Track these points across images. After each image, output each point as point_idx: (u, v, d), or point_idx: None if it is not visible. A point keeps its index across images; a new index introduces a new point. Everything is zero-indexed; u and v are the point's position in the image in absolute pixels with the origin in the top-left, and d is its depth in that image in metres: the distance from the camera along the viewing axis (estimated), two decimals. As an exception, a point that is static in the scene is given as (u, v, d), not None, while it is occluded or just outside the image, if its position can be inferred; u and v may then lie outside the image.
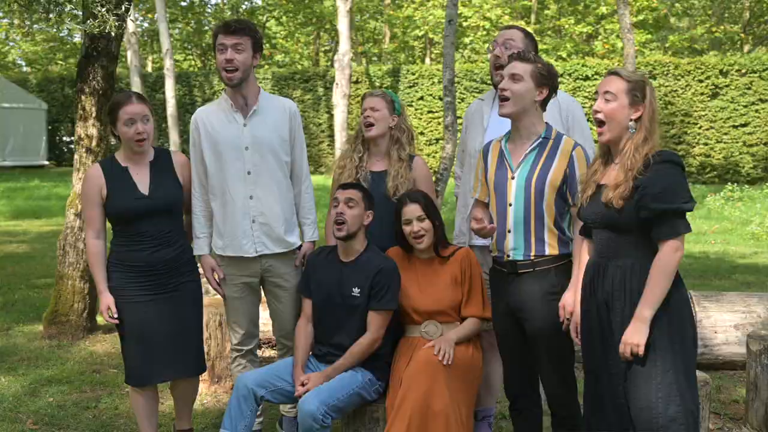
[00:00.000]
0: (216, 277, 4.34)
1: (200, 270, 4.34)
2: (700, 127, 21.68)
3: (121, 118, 3.95)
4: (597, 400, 3.36)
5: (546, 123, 3.78)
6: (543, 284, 3.65)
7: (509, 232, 3.68)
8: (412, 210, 4.04)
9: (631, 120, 3.25)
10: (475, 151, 4.25)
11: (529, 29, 22.83)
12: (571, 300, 3.53)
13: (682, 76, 21.78)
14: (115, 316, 4.00)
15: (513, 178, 3.70)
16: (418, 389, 3.71)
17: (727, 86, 21.44)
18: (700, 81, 21.68)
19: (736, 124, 21.44)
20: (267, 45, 33.36)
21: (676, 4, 26.80)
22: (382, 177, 4.37)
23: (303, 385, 3.96)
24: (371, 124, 4.34)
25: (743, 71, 21.30)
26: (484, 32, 26.37)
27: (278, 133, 4.27)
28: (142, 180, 4.05)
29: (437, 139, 23.65)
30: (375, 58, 33.78)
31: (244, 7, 31.34)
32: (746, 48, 27.85)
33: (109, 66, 6.67)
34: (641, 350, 3.14)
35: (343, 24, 22.76)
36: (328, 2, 32.76)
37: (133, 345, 4.06)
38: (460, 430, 3.73)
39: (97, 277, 4.03)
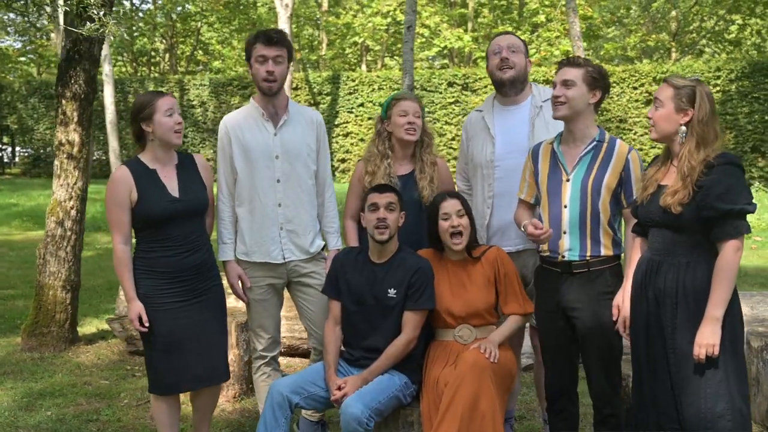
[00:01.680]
0: (241, 284, 4.34)
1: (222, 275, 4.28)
2: (635, 133, 22.23)
3: (161, 108, 3.87)
4: (645, 396, 3.42)
5: (598, 126, 3.85)
6: (597, 284, 3.72)
7: (565, 233, 3.75)
8: (452, 204, 4.03)
9: (681, 125, 3.34)
10: (486, 161, 4.31)
11: (467, 37, 23.08)
12: (622, 299, 3.61)
13: (617, 84, 22.30)
14: (147, 324, 3.89)
15: (568, 180, 3.76)
16: (467, 390, 3.71)
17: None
18: (635, 88, 22.25)
19: (669, 129, 22.02)
20: (201, 52, 33.00)
21: (608, 14, 27.50)
22: (408, 180, 4.38)
23: (339, 389, 3.93)
24: (415, 131, 4.34)
25: (676, 79, 21.90)
26: (423, 39, 26.56)
27: (306, 142, 4.34)
28: (170, 182, 3.97)
29: (378, 146, 23.68)
30: (312, 66, 33.67)
31: (177, 12, 30.86)
32: (674, 56, 28.72)
33: (91, 69, 6.50)
34: (716, 350, 3.19)
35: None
36: (262, 9, 32.57)
37: (161, 353, 3.95)
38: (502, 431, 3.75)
39: (127, 285, 3.91)
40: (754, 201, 3.26)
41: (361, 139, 24.04)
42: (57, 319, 6.53)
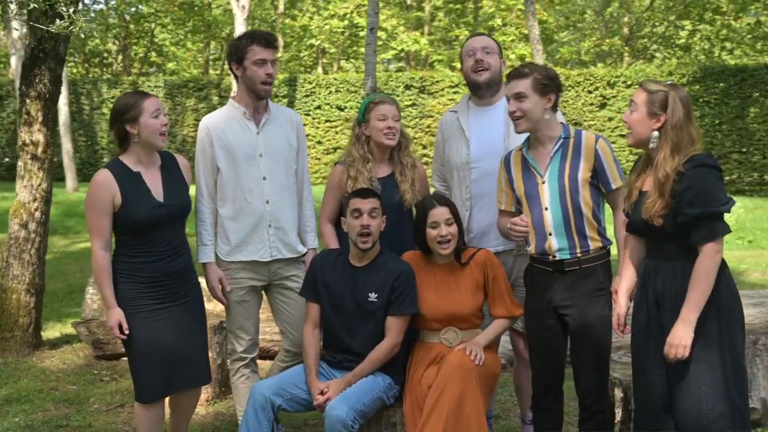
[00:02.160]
0: (221, 287, 4.31)
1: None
2: (590, 136, 22.51)
3: (147, 109, 3.78)
4: (645, 397, 3.44)
5: (561, 123, 3.87)
6: (589, 282, 3.76)
7: (550, 234, 3.77)
8: (441, 213, 3.99)
9: (653, 130, 3.34)
10: (462, 163, 4.32)
11: (423, 40, 23.17)
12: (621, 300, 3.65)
13: (572, 87, 22.53)
14: (127, 332, 3.80)
15: (544, 182, 3.79)
16: (453, 392, 3.70)
17: (614, 97, 22.31)
18: (589, 92, 22.49)
19: (623, 133, 22.22)
20: (154, 53, 32.62)
21: (563, 18, 27.84)
22: (388, 182, 4.36)
23: (322, 393, 3.90)
24: (394, 135, 4.33)
25: (629, 83, 22.22)
26: (381, 42, 26.57)
27: (288, 141, 4.35)
28: (155, 186, 3.88)
29: (335, 148, 23.64)
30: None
31: (130, 13, 30.44)
32: (626, 60, 29.14)
33: (56, 68, 6.38)
34: (687, 352, 3.22)
35: (240, 32, 22.49)
36: (217, 10, 32.30)
37: (145, 359, 3.86)
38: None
39: (106, 292, 3.80)
40: (729, 199, 3.24)
41: (318, 142, 23.95)
42: (20, 323, 6.39)
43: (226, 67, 30.03)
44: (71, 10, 5.23)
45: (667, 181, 3.25)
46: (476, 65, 4.29)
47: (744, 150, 20.96)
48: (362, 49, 28.03)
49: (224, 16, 30.84)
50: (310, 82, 24.83)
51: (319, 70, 31.19)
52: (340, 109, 24.05)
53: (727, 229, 3.28)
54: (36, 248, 6.43)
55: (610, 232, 3.90)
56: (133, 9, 30.22)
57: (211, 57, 34.33)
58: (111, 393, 5.56)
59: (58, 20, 5.42)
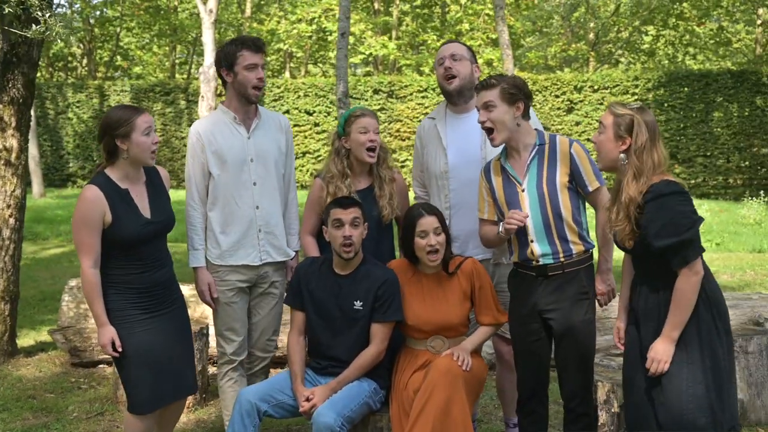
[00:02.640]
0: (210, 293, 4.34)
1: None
2: (557, 141, 22.71)
3: (139, 127, 3.74)
4: (635, 411, 3.48)
5: (535, 129, 3.92)
6: (573, 286, 3.81)
7: (532, 241, 3.80)
8: (430, 222, 3.98)
9: (620, 152, 3.39)
10: (440, 172, 4.34)
11: (392, 45, 23.16)
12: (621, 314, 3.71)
13: (540, 92, 22.72)
14: (120, 349, 3.76)
15: (523, 190, 3.83)
16: (440, 396, 3.72)
17: (581, 101, 22.54)
18: (557, 96, 22.70)
19: (590, 137, 22.57)
20: (120, 57, 32.29)
21: (529, 23, 28.05)
22: (367, 195, 4.35)
23: (308, 400, 3.90)
24: (375, 149, 4.32)
25: (595, 87, 22.48)
26: (349, 46, 26.53)
27: (277, 146, 4.38)
28: (142, 203, 3.86)
29: (304, 153, 23.60)
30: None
31: (95, 17, 30.11)
32: (591, 65, 29.43)
33: (29, 73, 6.32)
34: (666, 367, 3.28)
35: (207, 36, 22.33)
36: (183, 14, 32.08)
37: (139, 370, 3.82)
38: None
39: (97, 310, 3.74)
40: (696, 219, 3.25)
41: (287, 146, 23.92)
42: (-5, 331, 6.30)
43: (194, 70, 29.82)
44: (47, 15, 5.16)
45: (630, 204, 3.30)
46: (445, 73, 4.31)
47: (708, 154, 21.28)
48: (330, 54, 28.07)
49: (190, 20, 30.67)
50: (278, 87, 24.78)
51: (287, 74, 31.09)
52: (308, 113, 24.02)
53: (700, 250, 3.30)
54: (10, 255, 6.36)
55: (593, 234, 3.94)
56: (98, 12, 29.93)
57: (177, 61, 34.06)
58: (89, 401, 5.50)
59: (34, 25, 5.35)
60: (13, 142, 6.28)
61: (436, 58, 4.43)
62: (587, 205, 3.95)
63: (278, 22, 28.14)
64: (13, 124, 6.28)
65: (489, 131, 3.82)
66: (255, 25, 29.13)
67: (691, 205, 3.29)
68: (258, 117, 4.35)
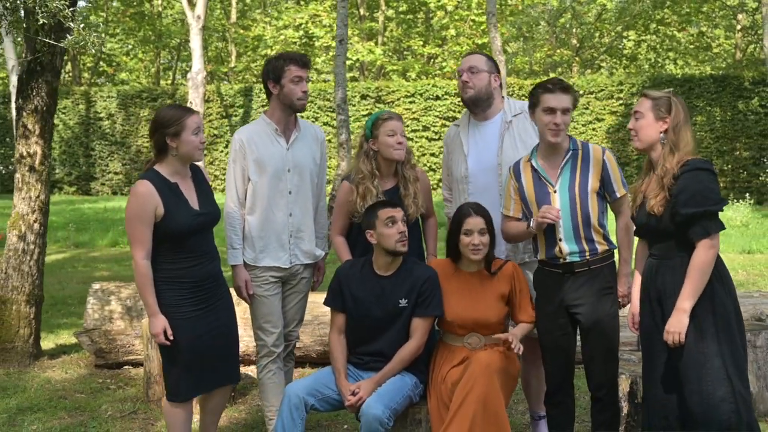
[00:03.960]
0: (247, 290, 4.57)
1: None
2: (543, 145, 22.97)
3: (189, 126, 3.97)
4: (655, 389, 3.72)
5: (568, 136, 4.13)
6: (597, 281, 4.04)
7: (560, 240, 4.03)
8: (477, 222, 4.16)
9: (660, 133, 3.68)
10: (461, 177, 4.58)
11: (378, 50, 23.32)
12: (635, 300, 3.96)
13: (526, 97, 22.87)
14: (171, 338, 3.94)
15: (555, 191, 4.05)
16: (479, 390, 3.90)
17: (565, 106, 22.87)
18: (542, 101, 22.99)
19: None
20: (104, 64, 32.26)
21: (514, 30, 28.40)
22: (393, 196, 4.55)
23: (354, 394, 4.08)
24: (402, 152, 4.52)
25: (581, 92, 22.80)
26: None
27: (313, 157, 4.64)
28: (191, 196, 4.07)
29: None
30: (219, 79, 33.42)
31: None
32: (575, 70, 29.82)
33: (53, 81, 6.45)
34: (683, 338, 3.53)
35: (195, 42, 22.43)
36: (167, 20, 32.13)
37: (183, 362, 4.02)
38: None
39: (149, 299, 3.93)
40: (722, 199, 3.58)
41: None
42: (21, 334, 6.43)
43: (179, 76, 29.84)
44: (81, 25, 5.32)
45: (666, 175, 3.59)
46: (462, 85, 4.56)
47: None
48: (317, 59, 28.20)
49: (175, 25, 30.74)
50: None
51: (272, 80, 31.18)
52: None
53: (720, 226, 3.60)
54: (35, 260, 6.49)
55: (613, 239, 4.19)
56: (81, 18, 29.92)
57: (161, 67, 34.09)
58: (120, 401, 5.65)
59: (68, 35, 5.50)
60: (37, 149, 6.42)
61: (458, 68, 4.68)
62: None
63: (264, 28, 28.26)
64: (37, 132, 6.41)
65: (559, 133, 4.00)
66: (241, 31, 29.23)
67: (718, 186, 3.61)
68: (297, 129, 4.60)
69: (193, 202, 4.06)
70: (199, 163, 4.31)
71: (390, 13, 29.56)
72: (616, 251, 4.16)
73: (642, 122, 3.72)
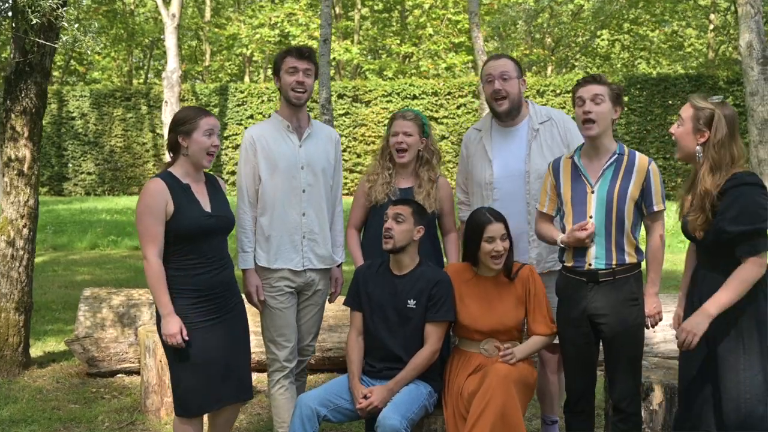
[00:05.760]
0: (258, 295, 4.43)
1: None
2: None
3: (201, 127, 3.88)
4: (690, 395, 3.64)
5: (616, 140, 4.05)
6: (623, 291, 3.91)
7: (591, 240, 3.92)
8: (498, 229, 4.09)
9: (697, 145, 3.54)
10: (485, 183, 4.47)
11: (354, 49, 23.24)
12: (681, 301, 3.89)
13: (502, 96, 23.00)
14: (187, 338, 3.80)
15: (593, 192, 3.93)
16: (497, 402, 3.83)
17: (543, 105, 22.88)
18: (519, 100, 23.03)
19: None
20: (76, 62, 31.82)
21: (491, 29, 28.41)
22: (407, 194, 4.50)
23: (366, 398, 4.00)
24: (404, 150, 4.48)
25: (557, 91, 22.88)
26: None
27: (327, 156, 4.50)
28: (203, 198, 3.97)
29: (269, 158, 23.56)
30: (193, 78, 33.13)
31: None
32: (550, 70, 29.91)
33: (42, 82, 6.27)
34: (695, 341, 3.43)
35: (170, 41, 22.23)
36: (140, 18, 31.77)
37: (193, 373, 3.88)
38: None
39: (163, 299, 3.81)
40: None
41: (251, 151, 23.83)
42: (10, 342, 6.24)
43: (151, 75, 29.58)
44: (75, 25, 5.16)
45: (706, 197, 3.44)
46: (495, 95, 4.40)
47: (668, 156, 21.75)
48: (293, 58, 28.01)
49: (148, 23, 30.41)
50: (241, 92, 24.72)
51: (246, 79, 30.98)
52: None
53: None
54: (24, 266, 6.31)
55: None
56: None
57: (134, 66, 33.70)
58: (116, 411, 5.50)
59: (60, 35, 5.34)
60: (25, 152, 6.24)
61: (483, 73, 4.53)
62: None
63: (239, 27, 28.04)
64: (26, 134, 6.23)
65: (589, 122, 3.89)
66: (216, 29, 28.98)
67: (767, 200, 3.42)
68: (310, 127, 4.48)
69: (205, 204, 3.96)
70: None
71: (365, 11, 29.48)
72: (643, 263, 4.05)
73: (680, 130, 3.58)
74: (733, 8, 23.37)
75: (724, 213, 3.40)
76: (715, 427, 3.56)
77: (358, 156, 23.42)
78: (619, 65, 32.36)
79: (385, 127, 4.73)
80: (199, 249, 3.89)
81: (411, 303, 4.15)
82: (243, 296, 4.30)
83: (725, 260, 3.49)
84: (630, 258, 3.93)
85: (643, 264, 4.06)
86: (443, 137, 22.82)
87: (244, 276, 4.44)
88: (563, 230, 4.04)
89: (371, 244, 4.53)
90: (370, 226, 4.62)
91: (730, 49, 29.49)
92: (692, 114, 3.54)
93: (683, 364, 3.72)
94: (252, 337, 4.33)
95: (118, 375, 6.24)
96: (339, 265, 4.65)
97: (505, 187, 4.42)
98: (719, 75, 22.68)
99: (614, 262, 3.91)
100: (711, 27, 29.03)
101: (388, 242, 4.16)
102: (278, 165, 4.35)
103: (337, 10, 28.70)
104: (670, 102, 22.21)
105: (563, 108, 22.62)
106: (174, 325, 3.79)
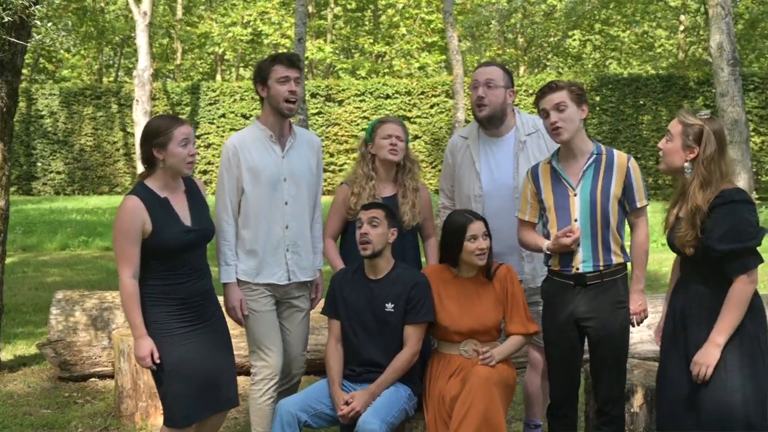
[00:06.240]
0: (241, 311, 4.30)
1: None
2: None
3: (176, 138, 3.75)
4: (669, 401, 3.62)
5: (591, 139, 4.03)
6: (610, 295, 3.90)
7: (577, 245, 3.90)
8: (479, 227, 4.08)
9: (685, 161, 3.51)
10: (475, 195, 4.42)
11: (328, 48, 23.19)
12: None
13: (476, 95, 23.04)
14: (158, 361, 3.73)
15: (576, 195, 3.91)
16: (481, 405, 3.81)
17: (516, 105, 22.93)
18: (492, 100, 23.07)
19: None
20: (45, 60, 31.44)
21: (463, 29, 28.47)
22: (390, 202, 4.44)
23: (347, 403, 3.96)
24: (398, 151, 4.44)
25: (530, 91, 22.93)
26: (285, 50, 26.46)
27: (309, 166, 4.40)
28: (183, 211, 3.86)
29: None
30: (164, 76, 32.86)
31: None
32: (522, 70, 30.03)
33: (13, 81, 6.15)
34: (710, 372, 3.40)
35: (141, 39, 22.11)
36: (110, 15, 31.46)
37: (178, 384, 3.79)
38: None
39: (136, 321, 3.72)
40: (760, 230, 3.37)
41: (223, 151, 23.69)
42: (-21, 347, 6.12)
43: (121, 73, 29.32)
44: (48, 23, 5.07)
45: (697, 213, 3.41)
46: (477, 100, 4.36)
47: (639, 156, 21.91)
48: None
49: (119, 21, 30.13)
50: (213, 90, 24.56)
51: (218, 78, 30.80)
52: (245, 117, 23.87)
53: (759, 260, 3.42)
54: (-5, 268, 6.19)
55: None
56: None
57: (104, 64, 33.36)
58: (90, 416, 5.41)
59: (32, 33, 5.24)
60: (-4, 153, 6.12)
61: (471, 79, 4.48)
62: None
63: (211, 25, 27.85)
64: (-4, 134, 6.12)
65: (558, 129, 3.87)
66: (188, 28, 28.77)
67: (756, 216, 3.42)
68: (293, 136, 4.35)
69: (185, 217, 3.85)
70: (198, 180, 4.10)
71: (338, 10, 29.41)
72: (629, 264, 4.04)
73: (669, 146, 3.54)
74: (703, 9, 23.61)
75: (713, 231, 3.37)
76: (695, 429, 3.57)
77: (331, 155, 23.34)
78: (590, 65, 32.56)
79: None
80: (178, 261, 3.80)
81: (389, 307, 4.11)
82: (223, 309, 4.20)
83: (713, 275, 3.47)
84: (617, 258, 3.92)
85: (629, 264, 4.05)
86: (416, 137, 22.84)
87: (225, 290, 4.29)
88: (547, 236, 4.01)
89: (349, 254, 4.47)
90: (349, 239, 4.53)
91: (700, 50, 29.78)
92: (681, 130, 3.50)
93: (661, 374, 3.71)
94: (233, 341, 4.23)
95: (91, 379, 6.14)
96: (319, 270, 4.58)
97: (493, 203, 4.38)
98: (690, 75, 22.88)
99: (601, 264, 3.90)
100: (681, 28, 29.29)
101: (366, 248, 4.10)
102: (261, 177, 4.22)
103: (310, 8, 28.59)
104: (641, 102, 22.40)
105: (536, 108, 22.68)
106: (145, 349, 3.71)
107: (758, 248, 3.44)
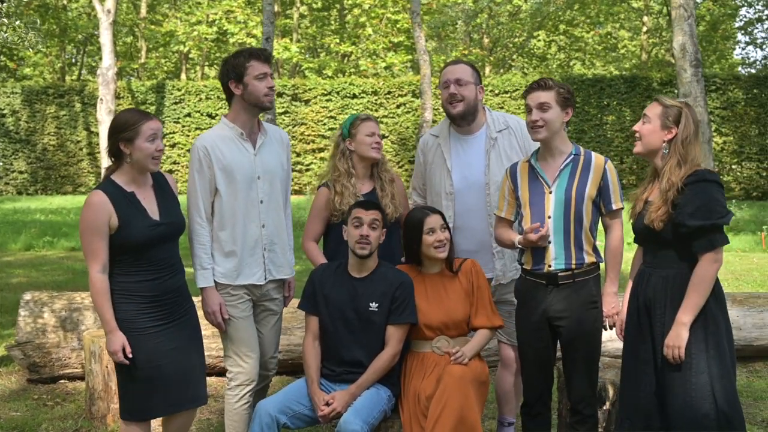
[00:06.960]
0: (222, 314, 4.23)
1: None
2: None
3: (144, 133, 3.71)
4: (636, 396, 3.69)
5: (571, 141, 4.09)
6: (582, 294, 3.95)
7: (550, 242, 3.94)
8: (436, 219, 4.14)
9: (663, 141, 3.63)
10: (446, 193, 4.46)
11: (293, 47, 23.15)
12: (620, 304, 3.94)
13: (442, 95, 23.12)
14: (130, 356, 3.71)
15: (551, 193, 3.96)
16: (456, 403, 3.84)
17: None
18: (459, 100, 23.16)
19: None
20: (5, 58, 31.01)
21: (431, 29, 28.56)
22: (370, 197, 4.47)
23: (327, 404, 3.96)
24: (379, 150, 4.49)
25: (496, 91, 23.10)
26: (250, 49, 26.37)
27: (280, 162, 4.38)
28: (150, 205, 3.82)
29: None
30: (133, 75, 32.55)
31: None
32: (487, 69, 30.18)
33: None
34: (682, 352, 3.48)
35: (105, 37, 21.88)
36: (74, 13, 31.08)
37: (140, 379, 3.78)
38: None
39: (106, 316, 3.69)
40: (728, 212, 3.51)
41: (189, 150, 23.54)
42: (-54, 349, 6.04)
43: (85, 72, 29.08)
44: (16, 21, 5.00)
45: (671, 189, 3.52)
46: (450, 98, 4.40)
47: (604, 155, 22.11)
48: (231, 56, 27.76)
49: (82, 19, 29.80)
50: (178, 89, 24.39)
51: (183, 76, 30.58)
52: (210, 116, 23.75)
53: (725, 240, 3.54)
54: (-39, 269, 6.10)
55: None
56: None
57: (67, 62, 32.96)
58: (60, 418, 5.35)
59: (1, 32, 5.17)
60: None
61: (441, 79, 4.50)
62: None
63: (176, 24, 27.65)
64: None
65: (537, 127, 3.92)
66: (152, 26, 28.53)
67: (725, 198, 3.55)
68: (263, 133, 4.30)
69: (153, 211, 3.82)
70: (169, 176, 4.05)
71: (304, 9, 29.36)
72: (602, 265, 4.08)
73: (648, 127, 3.65)
74: (665, 11, 23.90)
75: (684, 207, 3.48)
76: (660, 425, 3.63)
77: (298, 155, 23.28)
78: (555, 66, 32.83)
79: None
80: (146, 257, 3.77)
81: (373, 306, 4.11)
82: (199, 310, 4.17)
83: (677, 260, 3.57)
84: (588, 257, 3.97)
85: (602, 266, 4.10)
86: (383, 136, 22.81)
87: (204, 294, 4.22)
88: (521, 233, 4.05)
89: (336, 255, 4.45)
90: (331, 240, 4.53)
91: (662, 51, 30.16)
92: (660, 111, 3.63)
93: (627, 365, 3.77)
94: (204, 341, 4.21)
95: (60, 381, 6.07)
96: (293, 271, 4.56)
97: (465, 200, 4.42)
98: (653, 76, 23.17)
99: (573, 263, 3.94)
100: (644, 29, 29.64)
101: (365, 248, 4.10)
102: (235, 176, 4.16)
103: (276, 7, 28.52)
104: (605, 102, 22.63)
105: (501, 108, 22.85)
106: (116, 343, 3.69)
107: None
